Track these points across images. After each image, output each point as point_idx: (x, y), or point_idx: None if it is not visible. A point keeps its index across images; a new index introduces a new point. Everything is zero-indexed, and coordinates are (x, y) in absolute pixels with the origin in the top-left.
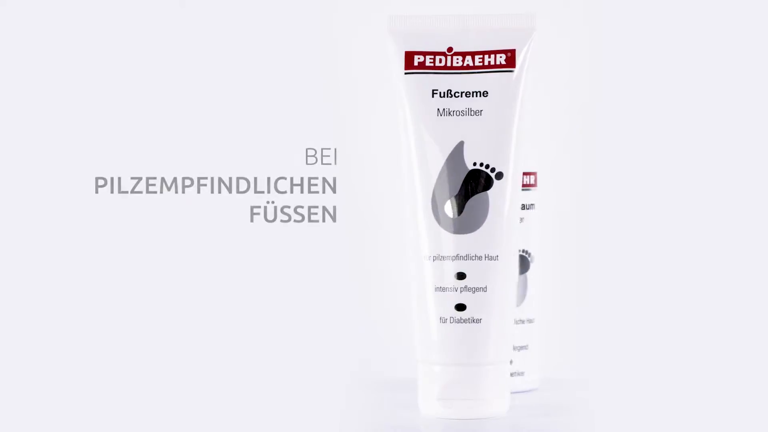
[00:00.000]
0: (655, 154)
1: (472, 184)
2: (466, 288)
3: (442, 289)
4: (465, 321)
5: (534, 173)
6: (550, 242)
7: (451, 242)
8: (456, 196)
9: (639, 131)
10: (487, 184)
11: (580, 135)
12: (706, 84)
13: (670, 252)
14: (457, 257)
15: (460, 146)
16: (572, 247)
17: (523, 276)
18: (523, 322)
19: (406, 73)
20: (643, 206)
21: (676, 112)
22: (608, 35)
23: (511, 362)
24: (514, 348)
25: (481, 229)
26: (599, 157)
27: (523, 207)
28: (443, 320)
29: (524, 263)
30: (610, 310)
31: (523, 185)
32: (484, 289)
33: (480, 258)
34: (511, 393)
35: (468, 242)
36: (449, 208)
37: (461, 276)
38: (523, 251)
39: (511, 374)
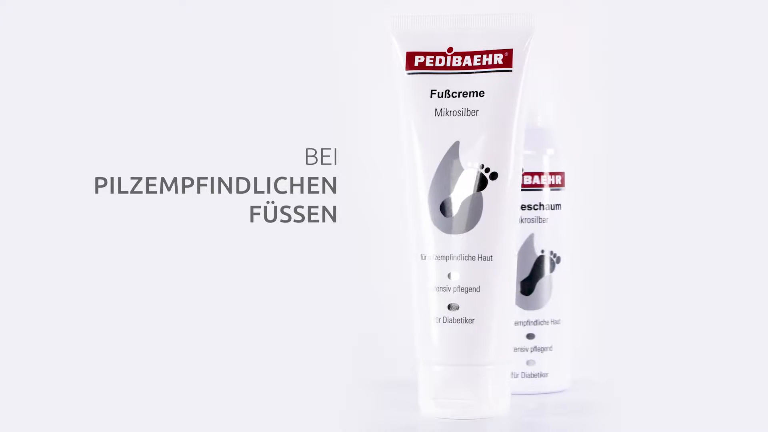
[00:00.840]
0: (683, 152)
1: (467, 185)
2: (459, 288)
3: (436, 289)
4: (458, 321)
5: (562, 173)
6: (579, 243)
7: (444, 242)
8: (450, 196)
9: (665, 129)
10: (482, 184)
11: (607, 133)
12: (729, 76)
13: (698, 252)
14: (451, 257)
15: (455, 146)
16: (601, 247)
17: (548, 276)
18: (547, 323)
19: (407, 74)
20: (671, 207)
21: (699, 108)
22: (625, 32)
23: (534, 363)
24: (538, 349)
25: (474, 229)
26: (625, 156)
27: (551, 207)
28: (437, 320)
29: (550, 264)
30: (639, 311)
31: (551, 185)
32: (477, 290)
33: (473, 258)
34: (539, 394)
35: (461, 242)
36: (444, 208)
37: (454, 276)
38: (550, 252)
39: (533, 375)
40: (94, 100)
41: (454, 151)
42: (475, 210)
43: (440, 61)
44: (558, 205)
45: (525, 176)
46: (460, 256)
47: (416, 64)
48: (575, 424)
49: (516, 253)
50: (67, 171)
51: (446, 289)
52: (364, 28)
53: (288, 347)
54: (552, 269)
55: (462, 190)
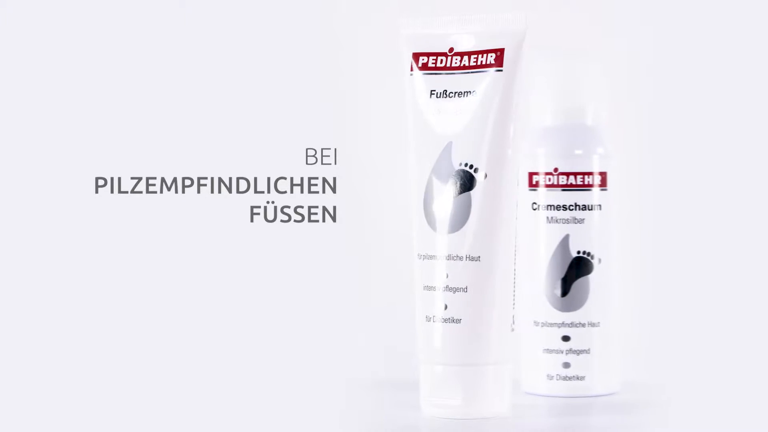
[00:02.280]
0: (726, 153)
1: (458, 184)
2: (447, 288)
3: (428, 288)
4: (446, 321)
5: (603, 173)
6: (620, 244)
7: (437, 242)
8: (443, 196)
9: (708, 129)
10: (471, 184)
11: (651, 132)
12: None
13: (741, 251)
14: (440, 257)
15: (448, 146)
16: (641, 248)
17: (585, 278)
18: (584, 325)
19: (409, 75)
20: (714, 207)
21: (745, 108)
22: (670, 30)
23: (570, 366)
24: (574, 351)
25: (462, 229)
26: (667, 156)
27: (590, 208)
28: (429, 319)
29: (587, 265)
30: (683, 313)
31: (595, 185)
32: (465, 290)
33: (461, 258)
34: (579, 397)
35: (451, 242)
36: (436, 208)
37: (445, 276)
38: (587, 253)
39: (569, 378)
40: (93, 100)
41: (447, 151)
42: (463, 210)
43: (441, 61)
44: (598, 205)
45: (560, 176)
46: (449, 256)
47: (420, 64)
48: (572, 425)
49: (512, 253)
50: (67, 171)
51: (435, 288)
52: (364, 28)
53: (288, 347)
54: (590, 271)
55: (452, 190)
